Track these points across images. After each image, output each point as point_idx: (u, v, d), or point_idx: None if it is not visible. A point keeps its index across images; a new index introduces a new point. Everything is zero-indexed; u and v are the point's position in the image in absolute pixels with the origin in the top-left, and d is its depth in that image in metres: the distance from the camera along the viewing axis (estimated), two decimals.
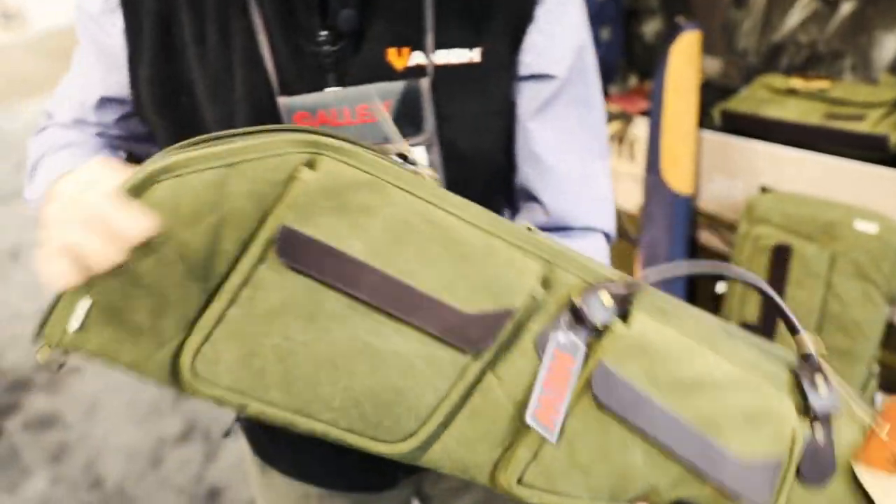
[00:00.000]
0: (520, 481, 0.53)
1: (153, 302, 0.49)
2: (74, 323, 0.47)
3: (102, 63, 0.65)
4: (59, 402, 2.12)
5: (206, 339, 0.49)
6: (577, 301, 0.51)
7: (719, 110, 1.55)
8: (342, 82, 0.61)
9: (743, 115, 1.49)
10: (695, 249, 1.60)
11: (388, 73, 0.61)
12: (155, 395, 2.12)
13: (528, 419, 0.51)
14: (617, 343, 0.51)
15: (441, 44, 0.62)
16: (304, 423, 0.51)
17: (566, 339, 0.51)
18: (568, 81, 0.67)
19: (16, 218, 3.19)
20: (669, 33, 1.53)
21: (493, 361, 0.52)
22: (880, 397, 1.27)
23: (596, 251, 0.68)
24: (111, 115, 0.69)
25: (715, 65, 1.76)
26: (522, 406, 0.52)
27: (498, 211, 0.71)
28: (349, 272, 0.49)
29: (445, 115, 0.63)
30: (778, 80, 1.52)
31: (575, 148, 0.69)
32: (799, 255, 1.24)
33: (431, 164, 0.63)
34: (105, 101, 0.68)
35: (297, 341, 0.50)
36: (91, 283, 0.47)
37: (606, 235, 0.71)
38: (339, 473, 0.78)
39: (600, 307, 0.51)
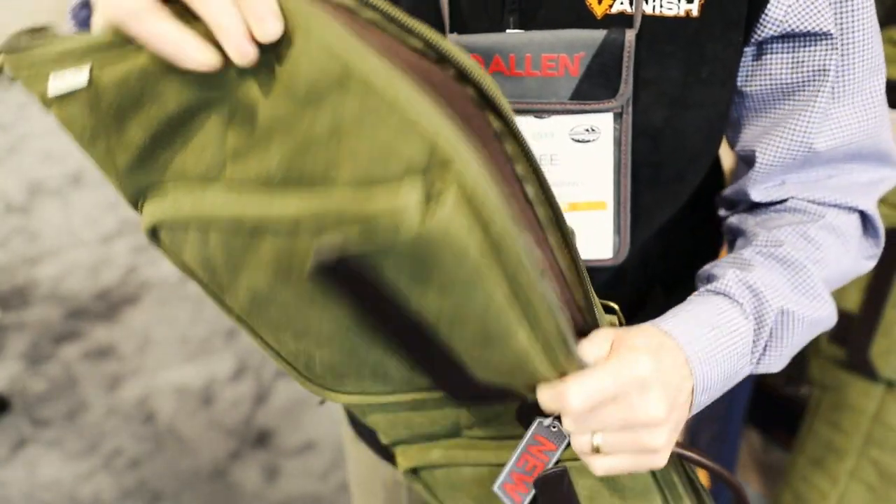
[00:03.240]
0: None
1: (167, 126, 0.37)
2: (56, 85, 0.36)
3: None
4: (115, 333, 2.13)
5: (186, 224, 0.39)
6: None
7: None
8: (525, 25, 0.51)
9: None
10: None
11: (587, 20, 0.51)
12: (207, 330, 2.11)
13: (496, 489, 0.50)
14: None
15: None
16: (248, 334, 0.47)
17: (550, 424, 0.48)
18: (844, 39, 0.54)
19: None
20: None
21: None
22: None
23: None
24: None
25: None
26: (464, 427, 0.52)
27: (694, 221, 0.63)
28: (390, 311, 0.38)
29: (646, 79, 0.52)
30: None
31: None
32: None
33: (618, 140, 0.53)
34: None
35: (276, 297, 0.41)
36: (118, 56, 0.35)
37: None
38: None
39: None
